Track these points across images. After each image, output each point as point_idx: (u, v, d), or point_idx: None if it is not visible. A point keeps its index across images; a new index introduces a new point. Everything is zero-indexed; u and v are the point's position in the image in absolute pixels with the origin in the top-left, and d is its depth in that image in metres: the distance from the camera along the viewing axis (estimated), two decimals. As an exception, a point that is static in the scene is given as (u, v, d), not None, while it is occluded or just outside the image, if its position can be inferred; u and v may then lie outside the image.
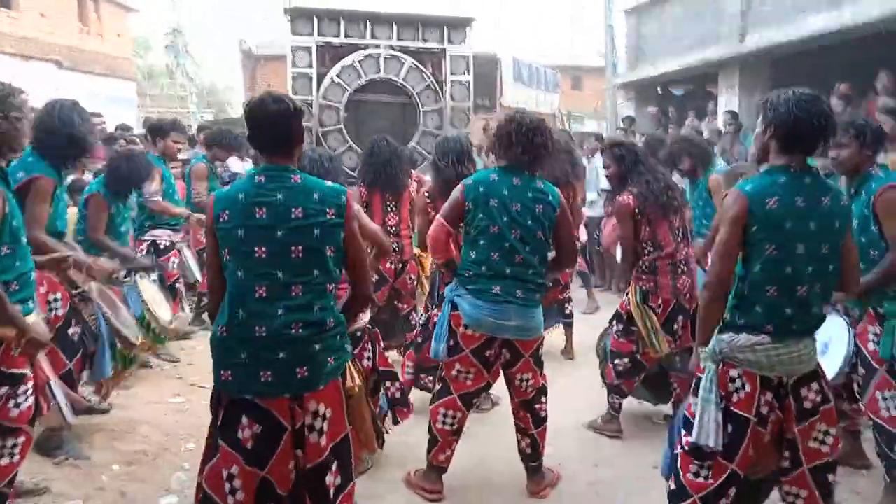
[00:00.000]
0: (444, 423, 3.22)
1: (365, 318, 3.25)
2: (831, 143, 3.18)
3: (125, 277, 4.28)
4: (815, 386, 2.38)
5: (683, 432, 2.39)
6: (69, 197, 4.01)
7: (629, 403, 4.13)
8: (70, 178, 4.43)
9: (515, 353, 3.19)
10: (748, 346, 2.30)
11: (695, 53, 10.88)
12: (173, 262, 5.22)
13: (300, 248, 2.23)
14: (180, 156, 6.86)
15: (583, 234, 7.14)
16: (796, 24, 8.46)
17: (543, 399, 3.30)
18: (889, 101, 6.32)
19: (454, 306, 3.14)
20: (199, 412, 4.15)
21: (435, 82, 8.62)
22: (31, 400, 2.65)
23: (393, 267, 4.73)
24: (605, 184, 7.69)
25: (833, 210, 2.32)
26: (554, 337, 5.57)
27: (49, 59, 17.04)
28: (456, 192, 3.19)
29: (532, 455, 3.32)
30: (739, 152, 7.88)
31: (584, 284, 7.01)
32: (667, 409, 4.09)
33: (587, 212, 7.63)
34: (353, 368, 2.44)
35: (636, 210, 3.73)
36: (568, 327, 5.52)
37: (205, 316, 6.10)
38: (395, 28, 8.59)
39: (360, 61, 8.40)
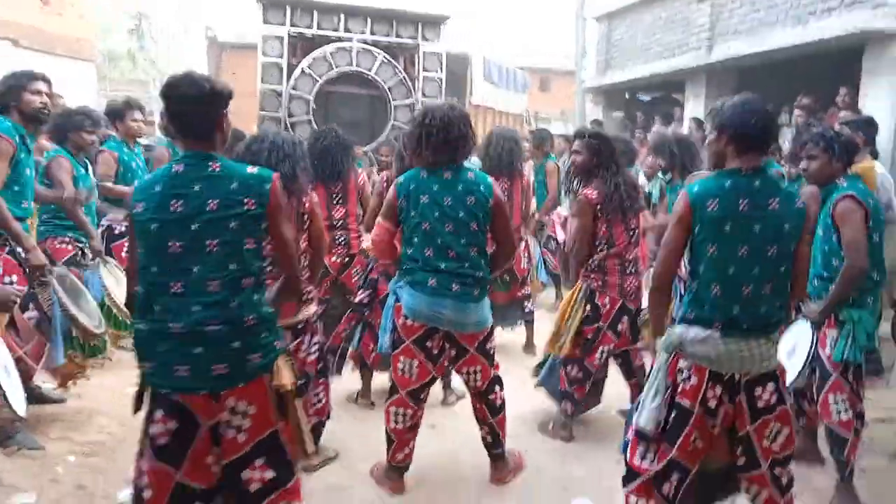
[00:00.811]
0: (396, 421, 3.21)
1: (309, 310, 3.21)
2: (803, 154, 3.28)
3: (89, 260, 4.16)
4: (770, 386, 2.43)
5: (635, 418, 2.48)
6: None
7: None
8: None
9: (459, 348, 3.20)
10: (698, 339, 2.37)
11: (663, 61, 11.05)
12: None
13: (215, 241, 2.13)
14: (142, 141, 6.69)
15: (560, 234, 7.18)
16: (762, 37, 8.65)
17: (497, 388, 3.30)
18: (848, 115, 6.51)
19: (397, 298, 3.15)
20: (160, 403, 4.05)
21: (407, 77, 8.59)
22: None
23: (338, 260, 4.67)
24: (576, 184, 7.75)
25: (783, 212, 2.36)
26: (516, 334, 5.60)
27: (6, 38, 16.46)
28: (390, 192, 3.20)
29: (493, 443, 3.34)
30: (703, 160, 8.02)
31: (554, 283, 7.04)
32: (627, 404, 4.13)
33: (561, 212, 7.65)
34: (283, 365, 2.31)
35: (598, 206, 3.74)
36: (528, 324, 5.53)
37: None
38: (368, 22, 8.54)
39: (332, 53, 8.32)
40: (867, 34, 6.89)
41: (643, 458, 2.46)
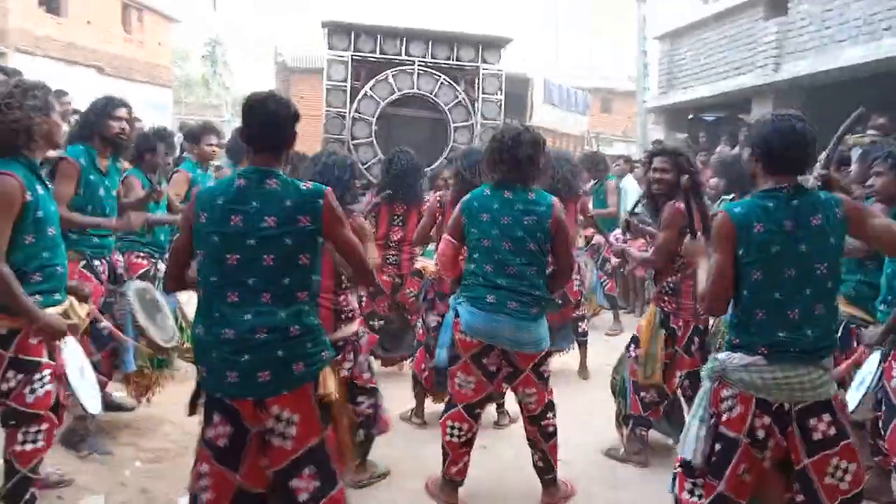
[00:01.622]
0: (451, 435, 3.25)
1: (349, 328, 3.25)
2: (871, 171, 3.18)
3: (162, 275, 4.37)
4: (826, 417, 2.30)
5: (680, 450, 2.41)
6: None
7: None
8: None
9: (514, 367, 3.21)
10: (742, 366, 2.29)
11: (728, 80, 10.85)
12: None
13: (272, 257, 2.23)
14: (214, 163, 7.00)
15: (613, 257, 7.10)
16: (832, 55, 8.40)
17: (550, 415, 3.29)
18: (926, 135, 6.24)
19: (456, 314, 3.19)
20: (221, 414, 4.20)
21: (467, 99, 8.70)
22: (48, 387, 2.69)
23: (390, 279, 4.74)
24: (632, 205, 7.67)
25: (826, 227, 2.28)
26: (571, 357, 5.55)
27: (91, 65, 17.54)
28: (456, 209, 3.28)
29: (545, 468, 3.32)
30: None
31: (611, 306, 6.96)
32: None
33: (617, 233, 7.57)
34: (329, 376, 2.37)
35: (685, 223, 3.66)
36: (582, 346, 5.47)
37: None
38: (429, 45, 8.69)
39: (393, 76, 8.51)
40: (945, 50, 6.63)
41: (691, 493, 2.37)
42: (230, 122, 21.03)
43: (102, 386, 3.57)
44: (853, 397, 2.98)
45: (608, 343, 6.36)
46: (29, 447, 2.66)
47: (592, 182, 7.19)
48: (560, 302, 5.23)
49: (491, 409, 4.27)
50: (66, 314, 2.81)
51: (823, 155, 2.92)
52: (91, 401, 3.07)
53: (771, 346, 2.27)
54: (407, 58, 8.65)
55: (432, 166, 8.13)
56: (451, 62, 8.75)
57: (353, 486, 3.00)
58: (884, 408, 3.03)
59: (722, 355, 2.36)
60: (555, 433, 3.31)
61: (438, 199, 4.34)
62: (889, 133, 6.81)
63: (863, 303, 3.39)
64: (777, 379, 2.26)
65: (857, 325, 3.36)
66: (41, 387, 2.67)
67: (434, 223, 4.26)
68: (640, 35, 14.17)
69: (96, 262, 3.66)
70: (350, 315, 3.26)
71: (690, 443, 2.33)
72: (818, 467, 2.29)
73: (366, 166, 7.04)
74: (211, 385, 2.31)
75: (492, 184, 3.22)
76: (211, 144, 5.56)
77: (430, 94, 8.56)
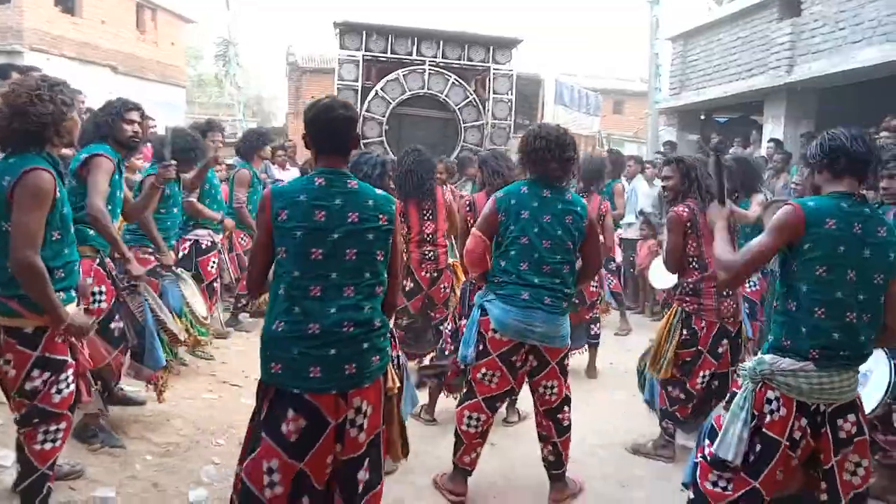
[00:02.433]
0: (468, 424, 3.27)
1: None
2: (885, 173, 3.17)
3: (166, 272, 4.41)
4: (851, 417, 2.35)
5: (707, 442, 2.41)
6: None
7: (655, 425, 4.06)
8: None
9: (542, 360, 3.22)
10: (790, 370, 2.29)
11: (741, 82, 10.78)
12: (213, 263, 5.34)
13: (354, 251, 2.31)
14: (227, 161, 7.05)
15: (618, 256, 7.10)
16: (846, 56, 8.34)
17: (566, 409, 3.31)
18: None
19: (483, 311, 3.20)
20: (231, 408, 4.24)
21: (477, 99, 8.72)
22: (72, 386, 2.72)
23: (427, 275, 4.79)
24: (643, 205, 7.68)
25: (889, 241, 2.32)
26: (580, 356, 5.55)
27: (105, 64, 17.68)
28: (489, 205, 3.27)
29: (555, 463, 3.33)
30: (780, 185, 7.74)
31: (618, 306, 6.96)
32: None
33: (622, 233, 7.58)
34: (392, 370, 2.50)
35: (688, 223, 3.71)
36: (593, 347, 5.49)
37: (241, 316, 6.23)
38: (440, 45, 8.71)
39: (404, 76, 8.54)
40: (961, 52, 6.56)
41: (714, 484, 2.38)
42: (243, 122, 21.12)
43: (114, 379, 3.61)
44: (869, 396, 2.98)
45: (619, 343, 6.36)
46: (48, 446, 2.68)
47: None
48: (577, 302, 5.26)
49: (501, 406, 4.28)
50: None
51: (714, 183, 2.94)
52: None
53: (823, 348, 2.28)
54: (418, 58, 8.68)
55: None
56: (461, 62, 8.78)
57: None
58: None
59: (768, 357, 2.35)
60: (569, 428, 3.33)
61: (467, 204, 4.41)
62: (903, 134, 6.76)
63: None
64: (823, 384, 2.28)
65: None
66: (66, 387, 2.70)
67: (468, 228, 4.27)
68: (652, 36, 14.12)
69: (108, 261, 3.70)
70: None
71: (730, 442, 2.32)
72: (840, 465, 2.34)
73: (395, 173, 7.09)
74: (288, 382, 2.30)
75: (528, 180, 3.23)
76: (215, 140, 5.65)
77: (441, 93, 8.59)
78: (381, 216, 2.37)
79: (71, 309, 2.68)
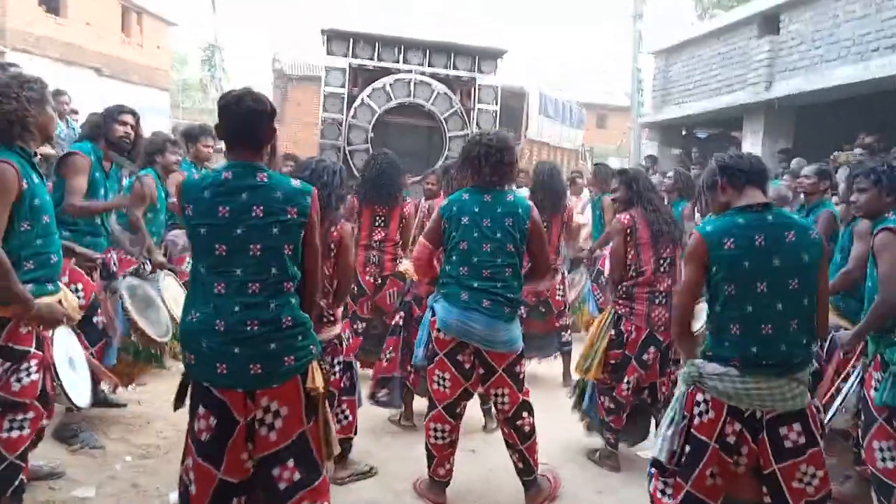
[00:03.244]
0: (435, 437, 3.32)
1: (332, 331, 3.32)
2: (855, 188, 3.27)
3: (150, 273, 4.41)
4: (797, 426, 2.39)
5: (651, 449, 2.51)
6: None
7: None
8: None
9: (488, 366, 3.26)
10: (716, 374, 2.36)
11: (721, 97, 10.99)
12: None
13: (258, 246, 2.25)
14: (213, 165, 7.05)
15: (608, 269, 7.18)
16: (822, 74, 8.55)
17: (525, 414, 3.32)
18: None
19: (433, 312, 3.27)
20: (212, 412, 4.23)
21: (462, 109, 8.79)
22: (34, 376, 2.72)
23: (371, 280, 4.81)
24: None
25: (800, 244, 2.37)
26: (553, 366, 5.61)
27: (90, 66, 17.57)
28: (434, 214, 3.37)
29: (525, 469, 3.36)
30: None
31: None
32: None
33: (610, 247, 7.66)
34: (316, 369, 2.39)
35: (628, 230, 3.83)
36: (566, 355, 5.53)
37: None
38: (427, 54, 8.78)
39: (390, 84, 8.59)
40: (932, 72, 6.77)
41: (663, 493, 2.45)
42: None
43: (95, 381, 3.61)
44: (833, 407, 3.06)
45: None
46: (15, 434, 2.68)
47: (590, 194, 7.29)
48: (543, 311, 5.34)
49: (479, 414, 4.33)
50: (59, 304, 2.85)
51: None
52: (79, 393, 3.08)
53: (743, 359, 2.35)
54: (404, 66, 8.74)
55: (420, 176, 8.23)
56: (447, 72, 8.85)
57: (333, 482, 3.04)
58: (863, 416, 3.10)
59: (698, 361, 2.43)
60: (532, 433, 3.34)
61: (426, 209, 4.44)
62: (875, 152, 6.94)
63: (852, 316, 3.49)
64: (749, 388, 2.34)
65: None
66: (27, 376, 2.70)
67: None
68: (635, 51, 14.35)
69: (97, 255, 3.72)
70: (332, 318, 3.32)
71: (660, 441, 2.43)
72: (787, 473, 2.38)
73: (361, 173, 7.11)
74: (199, 374, 2.31)
75: (470, 188, 3.29)
76: (207, 146, 5.65)
77: (427, 102, 8.65)
78: (289, 209, 2.28)
79: (48, 300, 2.71)
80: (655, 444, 2.47)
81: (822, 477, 2.41)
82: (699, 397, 2.40)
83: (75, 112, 7.77)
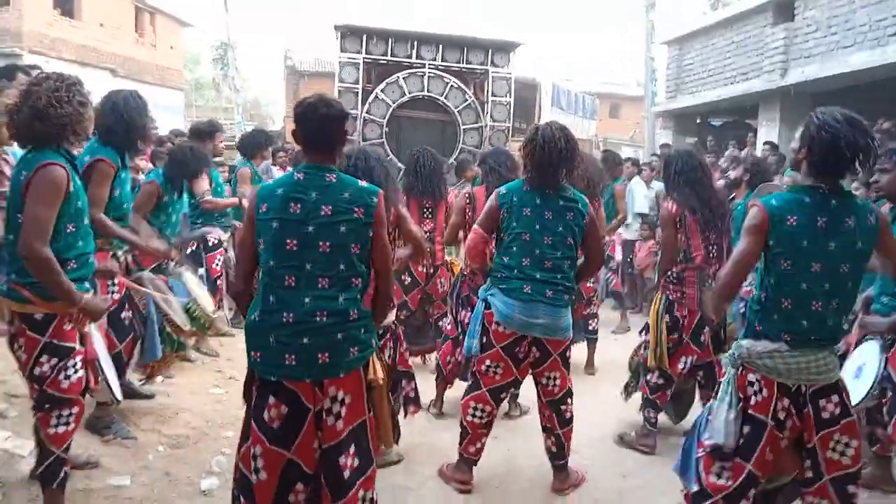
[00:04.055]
0: (473, 415, 3.37)
1: (390, 317, 3.39)
2: (875, 167, 3.25)
3: (173, 268, 4.50)
4: (834, 398, 2.43)
5: (707, 435, 2.48)
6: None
7: (660, 416, 4.14)
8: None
9: (545, 351, 3.31)
10: (766, 352, 2.39)
11: (736, 85, 10.93)
12: (219, 260, 5.43)
13: (328, 243, 2.36)
14: (228, 162, 7.16)
15: (618, 254, 7.21)
16: (839, 60, 8.48)
17: (569, 400, 3.41)
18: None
19: (487, 305, 3.29)
20: (237, 403, 4.27)
21: (476, 102, 8.83)
22: (80, 373, 2.80)
23: (424, 271, 4.90)
24: (640, 207, 7.79)
25: (857, 230, 2.37)
26: (578, 352, 5.64)
27: (105, 67, 17.76)
28: (491, 201, 3.34)
29: (558, 454, 3.43)
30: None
31: (616, 304, 7.06)
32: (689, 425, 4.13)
33: (623, 234, 7.70)
34: (377, 361, 2.52)
35: (676, 218, 3.82)
36: (591, 343, 5.58)
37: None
38: (440, 48, 8.82)
39: (404, 78, 8.65)
40: (951, 56, 6.70)
41: (719, 476, 2.43)
42: (241, 125, 21.18)
43: (121, 374, 3.70)
44: (855, 387, 3.06)
45: (617, 341, 6.46)
46: (62, 429, 2.77)
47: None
48: (573, 298, 5.35)
49: (505, 398, 4.38)
50: None
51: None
52: (116, 387, 3.20)
53: (794, 334, 2.38)
54: (417, 61, 8.78)
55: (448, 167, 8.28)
56: (461, 65, 8.88)
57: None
58: (890, 394, 3.11)
59: (745, 342, 2.45)
60: (571, 420, 3.42)
61: (467, 196, 4.48)
62: (894, 137, 6.89)
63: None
64: (799, 363, 2.37)
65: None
66: (74, 372, 2.78)
67: (465, 220, 4.38)
68: (648, 40, 14.28)
69: (119, 254, 3.79)
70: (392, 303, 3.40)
71: (720, 427, 2.41)
72: (822, 442, 2.42)
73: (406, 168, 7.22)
74: (267, 369, 2.39)
75: (529, 180, 3.29)
76: (222, 142, 5.76)
77: (440, 96, 8.69)
78: (355, 209, 2.39)
79: (86, 296, 2.78)
80: (711, 430, 2.43)
81: (856, 447, 2.44)
82: (751, 377, 2.42)
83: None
